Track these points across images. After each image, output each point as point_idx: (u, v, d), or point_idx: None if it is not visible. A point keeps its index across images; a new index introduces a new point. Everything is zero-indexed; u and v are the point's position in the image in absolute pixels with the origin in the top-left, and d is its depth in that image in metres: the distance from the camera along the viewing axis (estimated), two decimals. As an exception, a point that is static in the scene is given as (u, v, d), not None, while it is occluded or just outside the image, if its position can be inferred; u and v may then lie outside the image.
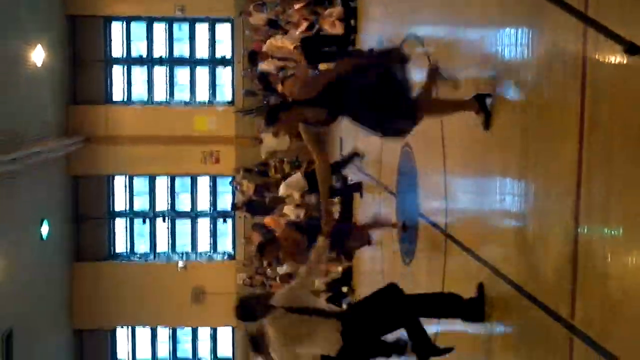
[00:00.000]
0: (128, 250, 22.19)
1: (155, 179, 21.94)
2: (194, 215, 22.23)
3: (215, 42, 22.03)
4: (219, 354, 22.69)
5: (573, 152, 4.12)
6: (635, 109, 3.53)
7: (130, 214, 22.10)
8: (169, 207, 22.13)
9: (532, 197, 4.86)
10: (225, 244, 22.38)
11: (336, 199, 13.23)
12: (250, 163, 19.90)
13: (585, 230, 4.03)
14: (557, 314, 4.34)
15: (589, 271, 3.99)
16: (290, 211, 13.62)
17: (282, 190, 13.17)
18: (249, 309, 5.99)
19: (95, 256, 21.48)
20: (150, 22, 21.78)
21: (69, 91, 20.75)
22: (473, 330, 5.96)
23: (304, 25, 14.17)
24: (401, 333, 5.91)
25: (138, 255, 22.12)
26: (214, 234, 22.32)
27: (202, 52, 22.05)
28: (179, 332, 22.58)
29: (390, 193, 9.78)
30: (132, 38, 21.86)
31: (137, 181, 22.11)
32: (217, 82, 22.04)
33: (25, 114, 17.42)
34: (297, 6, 14.66)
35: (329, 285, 13.73)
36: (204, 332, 22.61)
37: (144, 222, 22.02)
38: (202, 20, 21.83)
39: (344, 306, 13.74)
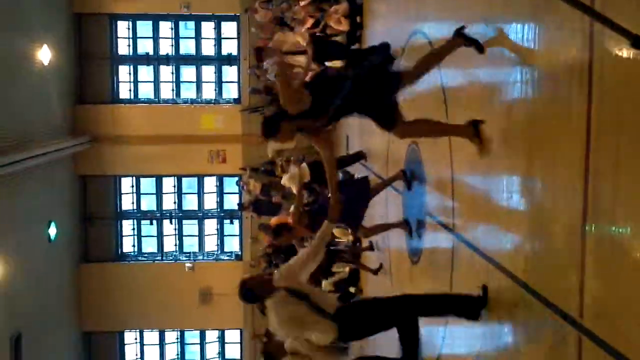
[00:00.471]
0: (135, 251, 22.17)
1: (162, 179, 21.93)
2: (201, 215, 22.20)
3: (221, 39, 22.01)
4: (227, 356, 22.64)
5: (580, 148, 4.08)
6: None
7: (138, 215, 22.08)
8: (176, 208, 22.10)
9: (540, 195, 4.82)
10: (233, 244, 22.34)
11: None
12: (257, 162, 19.84)
13: (593, 228, 3.99)
14: (565, 313, 4.30)
15: (597, 270, 3.97)
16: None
17: (284, 182, 13.21)
18: (252, 290, 6.08)
19: (102, 257, 21.48)
20: (156, 20, 21.77)
21: (75, 90, 20.75)
22: (480, 330, 5.91)
23: (310, 22, 14.13)
24: None
25: (145, 256, 22.11)
26: (221, 234, 22.29)
27: (208, 50, 22.03)
28: (186, 334, 22.54)
29: (396, 191, 9.72)
30: (138, 36, 21.84)
31: (144, 181, 22.09)
32: (223, 80, 22.00)
33: (32, 114, 17.42)
34: (302, 3, 14.62)
35: (336, 285, 13.68)
36: (212, 334, 22.57)
37: (151, 222, 22.00)
38: (208, 18, 21.80)
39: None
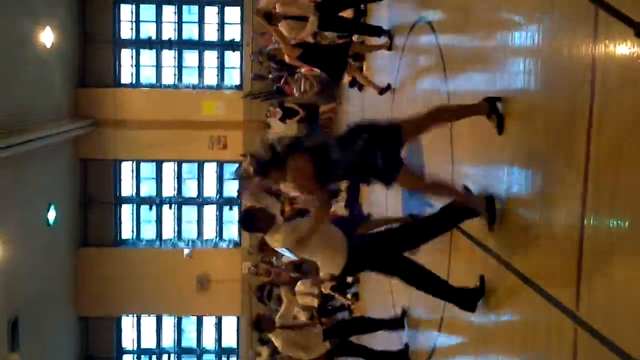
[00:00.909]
0: (134, 237, 22.17)
1: (162, 164, 21.91)
2: (200, 201, 22.19)
3: (224, 25, 21.95)
4: (224, 343, 22.68)
5: (581, 142, 4.06)
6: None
7: (137, 200, 22.07)
8: (176, 193, 22.10)
9: (539, 188, 4.80)
10: (231, 231, 22.34)
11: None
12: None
13: (592, 220, 3.98)
14: (561, 304, 4.29)
15: (594, 261, 3.95)
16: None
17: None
18: (254, 219, 6.21)
19: (101, 242, 21.49)
20: (159, 4, 21.72)
21: (78, 73, 20.72)
22: (478, 320, 5.90)
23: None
24: None
25: (144, 242, 22.11)
26: (220, 220, 22.28)
27: (211, 35, 21.98)
28: (183, 321, 22.58)
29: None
30: (141, 20, 21.78)
31: (144, 166, 22.08)
32: (225, 66, 21.95)
33: (34, 96, 17.40)
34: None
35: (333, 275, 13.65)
36: (209, 321, 22.59)
37: (151, 208, 22.00)
38: (211, 2, 21.76)
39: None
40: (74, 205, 20.62)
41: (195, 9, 21.99)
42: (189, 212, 22.27)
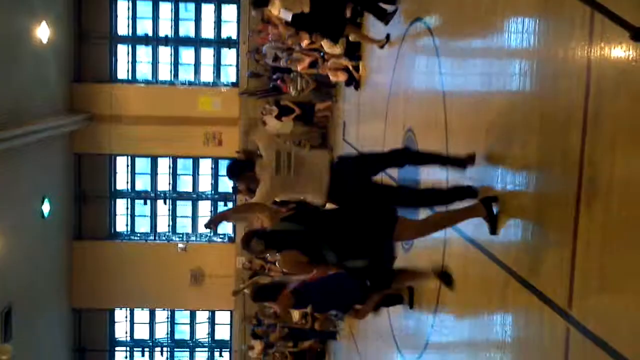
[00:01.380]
0: (128, 230, 22.19)
1: (157, 159, 21.93)
2: (195, 197, 22.21)
3: (221, 22, 21.95)
4: (217, 337, 22.73)
5: (576, 142, 4.11)
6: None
7: (132, 194, 22.09)
8: (171, 189, 22.12)
9: (533, 187, 4.83)
10: (226, 226, 22.35)
11: None
12: (253, 146, 19.80)
13: (586, 219, 4.00)
14: (554, 303, 4.32)
15: (587, 261, 3.98)
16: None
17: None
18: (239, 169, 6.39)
19: (95, 235, 21.49)
20: (156, 0, 21.70)
21: (74, 69, 20.70)
22: (469, 318, 5.94)
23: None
24: None
25: (138, 236, 22.13)
26: (214, 216, 22.25)
27: (207, 32, 21.98)
28: (177, 314, 22.62)
29: (391, 179, 9.73)
30: (137, 16, 21.78)
31: (138, 161, 22.09)
32: (221, 63, 21.96)
33: (30, 91, 17.39)
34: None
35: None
36: (202, 315, 22.64)
37: (145, 202, 22.01)
38: (208, 0, 21.74)
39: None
40: (68, 198, 20.63)
41: (191, 6, 21.97)
42: (184, 207, 22.29)
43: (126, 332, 22.46)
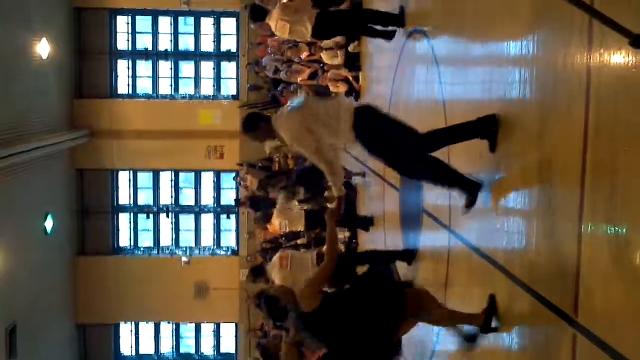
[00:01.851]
0: (132, 245, 22.19)
1: (159, 173, 21.94)
2: (197, 210, 22.21)
3: (220, 36, 22.00)
4: (222, 349, 22.68)
5: (578, 149, 4.09)
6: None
7: (134, 209, 22.09)
8: (173, 202, 22.12)
9: (537, 195, 4.82)
10: (229, 239, 22.37)
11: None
12: (255, 158, 19.86)
13: (590, 227, 4.00)
14: (561, 310, 4.31)
15: (593, 268, 3.97)
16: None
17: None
18: (255, 122, 6.05)
19: (99, 250, 21.49)
20: (155, 15, 21.76)
21: (74, 84, 20.73)
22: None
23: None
24: None
25: (142, 250, 22.12)
26: (217, 229, 22.30)
27: (207, 46, 22.02)
28: (182, 327, 22.58)
29: (393, 188, 9.74)
30: (137, 31, 21.84)
31: (141, 176, 22.10)
32: (222, 76, 22.00)
33: (30, 107, 17.42)
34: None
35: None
36: (207, 328, 22.60)
37: (148, 217, 22.01)
38: (207, 14, 21.80)
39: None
40: (71, 214, 20.63)
41: (191, 20, 22.04)
42: (187, 221, 22.29)
43: (131, 347, 22.40)
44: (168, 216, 22.01)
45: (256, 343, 18.58)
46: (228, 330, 22.50)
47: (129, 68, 21.73)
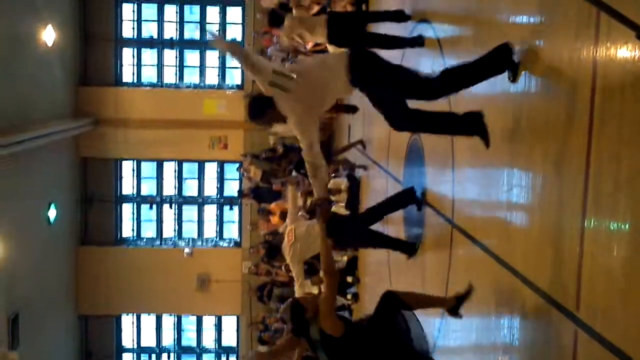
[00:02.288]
0: (134, 235, 22.19)
1: (162, 163, 21.93)
2: (200, 201, 22.20)
3: (226, 25, 21.95)
4: (224, 343, 22.68)
5: (582, 144, 4.07)
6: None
7: (138, 199, 22.09)
8: (176, 193, 22.11)
9: (539, 189, 4.80)
10: (232, 230, 22.36)
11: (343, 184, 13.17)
12: (258, 149, 19.84)
13: (592, 222, 3.98)
14: (562, 305, 4.29)
15: (595, 263, 3.95)
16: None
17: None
18: (261, 108, 5.90)
19: (101, 241, 21.49)
20: (161, 3, 21.73)
21: (79, 72, 20.71)
22: (477, 322, 5.91)
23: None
24: None
25: (144, 241, 22.13)
26: (220, 220, 22.30)
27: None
28: (183, 320, 22.58)
29: (396, 181, 9.71)
30: (143, 19, 21.80)
31: (144, 165, 22.09)
32: (226, 66, 21.95)
33: (35, 95, 17.38)
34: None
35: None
36: (209, 321, 22.60)
37: (151, 207, 22.01)
38: (213, 3, 21.76)
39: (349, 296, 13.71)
40: (74, 203, 20.62)
41: (196, 8, 21.99)
42: (190, 212, 22.28)
43: (133, 339, 22.43)
44: (171, 207, 22.01)
45: (257, 336, 18.66)
46: (229, 323, 22.50)
47: (134, 56, 21.72)
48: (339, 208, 13.10)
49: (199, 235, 22.21)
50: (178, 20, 21.81)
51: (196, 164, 22.08)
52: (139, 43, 21.73)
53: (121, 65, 21.60)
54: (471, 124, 5.59)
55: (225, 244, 22.09)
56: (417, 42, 8.98)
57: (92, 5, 20.97)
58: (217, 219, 22.27)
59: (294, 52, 15.90)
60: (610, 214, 3.80)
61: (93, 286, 20.82)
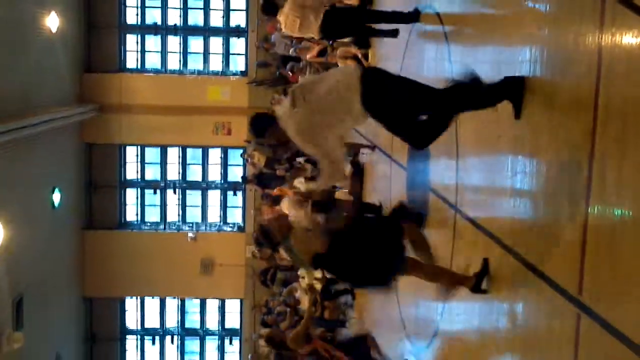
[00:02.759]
0: (139, 220, 22.27)
1: (166, 149, 21.97)
2: (204, 186, 22.26)
3: (229, 11, 21.94)
4: (227, 325, 22.81)
5: (586, 132, 4.08)
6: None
7: (142, 184, 22.14)
8: (180, 178, 22.17)
9: (543, 176, 4.82)
10: (235, 215, 22.43)
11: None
12: (262, 135, 19.84)
13: (596, 209, 4.00)
14: (564, 290, 4.32)
15: (598, 248, 3.97)
16: (301, 184, 13.58)
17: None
18: (261, 128, 5.75)
19: (105, 225, 21.58)
20: (165, -11, 21.73)
21: (83, 58, 20.74)
22: (480, 305, 5.95)
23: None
24: None
25: (148, 225, 22.21)
26: (224, 205, 22.36)
27: (216, 21, 21.97)
28: (187, 303, 22.70)
29: (400, 167, 9.73)
30: (146, 5, 21.79)
31: (148, 151, 22.14)
32: (230, 52, 21.95)
33: (39, 81, 17.42)
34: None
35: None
36: (212, 304, 22.72)
37: (155, 192, 22.07)
38: (217, -12, 21.77)
39: None
40: (79, 188, 20.70)
41: (200, -6, 21.99)
42: (193, 197, 22.35)
43: (137, 321, 22.56)
44: (175, 192, 22.07)
45: (260, 319, 18.74)
46: (233, 306, 22.62)
47: (137, 42, 21.72)
48: (343, 194, 13.12)
49: (202, 220, 22.28)
50: (182, 6, 21.80)
51: (200, 150, 22.12)
52: (143, 29, 21.73)
53: (125, 52, 21.61)
54: (508, 89, 5.18)
55: (229, 229, 22.16)
56: (413, 17, 9.03)
57: (96, -9, 20.97)
58: (220, 204, 22.33)
59: (297, 38, 15.90)
60: (614, 199, 3.82)
61: (97, 269, 20.93)
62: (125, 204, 22.14)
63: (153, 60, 21.90)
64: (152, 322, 22.62)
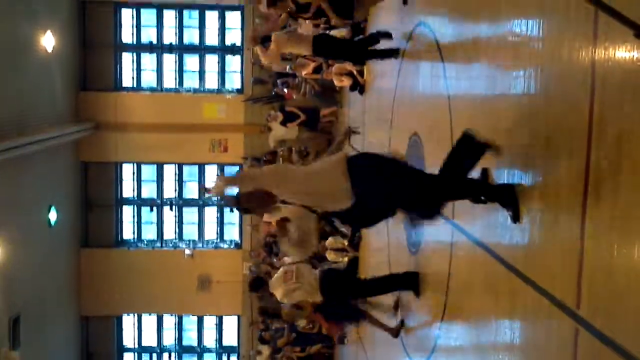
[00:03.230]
0: (135, 238, 22.25)
1: (163, 166, 21.99)
2: (201, 203, 22.26)
3: (225, 29, 22.01)
4: (225, 342, 22.76)
5: (582, 144, 4.09)
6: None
7: (138, 201, 22.14)
8: (177, 195, 22.17)
9: (539, 188, 4.82)
10: (232, 232, 22.42)
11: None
12: (259, 152, 19.89)
13: (593, 222, 4.00)
14: (562, 303, 4.32)
15: (595, 260, 3.97)
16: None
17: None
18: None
19: (102, 243, 21.55)
20: (160, 8, 21.77)
21: (79, 77, 20.77)
22: (478, 320, 5.94)
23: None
24: None
25: (145, 243, 22.19)
26: (221, 222, 22.36)
27: (211, 39, 22.04)
28: (184, 320, 22.65)
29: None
30: (142, 24, 21.86)
31: (145, 168, 22.15)
32: (226, 70, 22.01)
33: (35, 100, 17.46)
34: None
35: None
36: (210, 321, 22.67)
37: (152, 209, 22.06)
38: (212, 7, 21.81)
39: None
40: (75, 206, 20.70)
41: (195, 13, 22.04)
42: (190, 214, 22.34)
43: (134, 339, 22.50)
44: (172, 209, 22.07)
45: (258, 335, 18.70)
46: (230, 323, 22.58)
47: (133, 61, 21.77)
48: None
49: (199, 237, 22.27)
50: (177, 25, 21.87)
51: (196, 167, 22.14)
52: (139, 48, 21.78)
53: (121, 70, 21.66)
54: (502, 195, 5.25)
55: (226, 246, 22.15)
56: (393, 54, 9.30)
57: (91, 11, 21.03)
58: (217, 221, 22.33)
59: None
60: (610, 213, 3.82)
61: (94, 287, 20.92)
62: (121, 222, 22.13)
63: (149, 79, 21.94)
64: (150, 340, 22.54)
